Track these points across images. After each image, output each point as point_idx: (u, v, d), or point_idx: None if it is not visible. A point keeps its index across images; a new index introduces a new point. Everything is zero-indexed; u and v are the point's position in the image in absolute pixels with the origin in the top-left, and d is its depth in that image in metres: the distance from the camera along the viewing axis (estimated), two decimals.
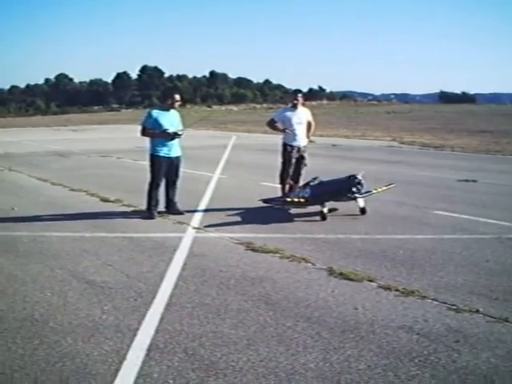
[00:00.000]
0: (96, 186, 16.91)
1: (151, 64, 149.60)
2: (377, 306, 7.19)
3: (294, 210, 13.09)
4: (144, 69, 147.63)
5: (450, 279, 8.24)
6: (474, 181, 17.80)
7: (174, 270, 8.67)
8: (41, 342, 6.17)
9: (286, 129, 13.66)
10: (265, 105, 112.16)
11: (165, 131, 11.93)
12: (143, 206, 12.64)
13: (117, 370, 5.48)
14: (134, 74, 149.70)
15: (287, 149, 13.82)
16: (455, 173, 19.63)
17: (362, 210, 12.59)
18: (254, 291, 7.76)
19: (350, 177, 12.42)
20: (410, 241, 10.48)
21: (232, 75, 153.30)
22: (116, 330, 6.46)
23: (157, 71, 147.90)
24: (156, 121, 11.98)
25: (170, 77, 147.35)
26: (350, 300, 7.40)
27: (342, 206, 12.87)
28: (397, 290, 7.70)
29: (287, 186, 13.94)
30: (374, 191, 13.35)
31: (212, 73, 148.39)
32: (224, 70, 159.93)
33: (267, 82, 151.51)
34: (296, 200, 12.76)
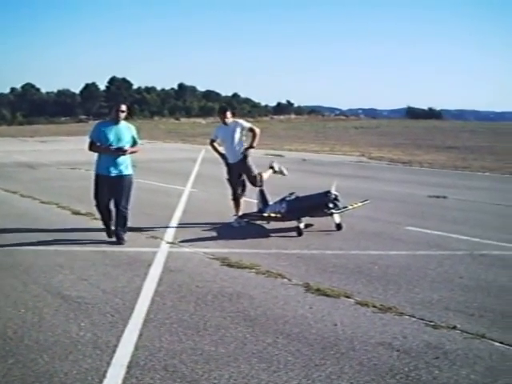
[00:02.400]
0: (67, 199, 16.74)
1: (120, 75, 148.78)
2: (355, 322, 7.21)
3: (269, 226, 13.07)
4: (112, 80, 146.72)
5: (425, 295, 8.31)
6: (445, 197, 17.99)
7: (150, 286, 8.61)
8: (16, 360, 6.04)
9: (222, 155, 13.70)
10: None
11: (108, 147, 10.82)
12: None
13: None
14: (102, 86, 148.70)
15: (228, 166, 13.74)
16: (425, 188, 19.81)
17: (338, 226, 12.61)
18: (232, 307, 7.74)
19: (326, 192, 12.46)
20: (384, 257, 10.55)
21: (201, 88, 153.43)
22: (94, 347, 6.39)
23: (125, 82, 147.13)
24: (102, 134, 10.86)
25: (139, 88, 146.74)
26: (329, 316, 7.41)
27: (317, 221, 12.91)
28: (374, 307, 7.74)
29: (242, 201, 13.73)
30: (350, 207, 13.34)
31: (180, 85, 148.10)
32: (193, 83, 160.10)
33: (235, 95, 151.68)
34: (273, 215, 12.74)
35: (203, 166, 27.99)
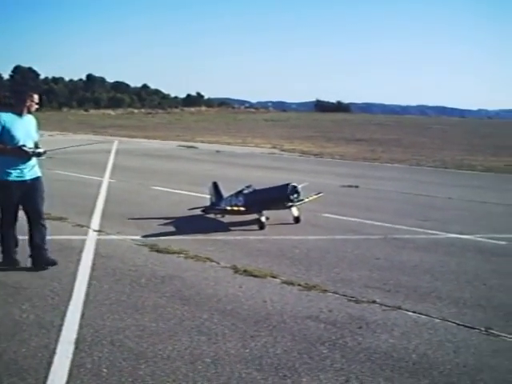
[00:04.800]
0: None
1: (25, 64, 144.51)
2: (283, 299, 7.79)
3: (226, 219, 13.03)
4: (17, 69, 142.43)
5: (345, 275, 9.00)
6: (357, 186, 18.90)
7: (85, 270, 8.91)
8: None
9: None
10: (143, 110, 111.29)
11: (21, 148, 8.45)
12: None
13: (49, 364, 5.73)
14: (6, 75, 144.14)
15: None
16: (338, 179, 20.69)
17: (297, 219, 12.71)
18: (166, 288, 8.17)
19: (287, 185, 12.39)
20: (304, 241, 11.20)
21: (110, 79, 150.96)
22: (40, 327, 6.69)
23: (31, 72, 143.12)
24: (6, 131, 8.42)
25: (46, 79, 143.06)
26: (258, 294, 7.96)
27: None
28: (299, 285, 8.34)
29: None
30: (306, 200, 13.31)
31: (89, 76, 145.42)
32: (102, 74, 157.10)
33: (145, 86, 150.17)
34: (236, 209, 12.51)
35: (118, 158, 28.05)
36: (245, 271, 8.95)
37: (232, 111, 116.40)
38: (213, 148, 35.60)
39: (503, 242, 11.23)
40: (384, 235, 11.66)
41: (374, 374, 5.60)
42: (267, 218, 12.39)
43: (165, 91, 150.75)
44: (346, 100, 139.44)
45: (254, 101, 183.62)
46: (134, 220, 12.86)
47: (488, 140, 47.07)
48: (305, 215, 13.04)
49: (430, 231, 12.08)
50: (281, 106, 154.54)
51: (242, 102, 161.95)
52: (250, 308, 7.41)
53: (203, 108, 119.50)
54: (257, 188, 13.10)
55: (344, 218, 13.40)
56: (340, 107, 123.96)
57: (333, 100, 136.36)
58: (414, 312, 7.33)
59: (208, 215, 13.34)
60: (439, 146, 40.24)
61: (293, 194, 12.31)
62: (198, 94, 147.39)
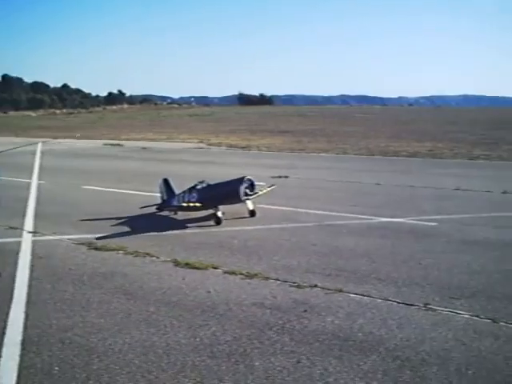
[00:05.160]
0: None
1: None
2: (227, 288, 7.90)
3: (179, 216, 12.90)
4: None
5: (285, 262, 9.17)
6: (286, 177, 19.17)
7: (24, 272, 8.79)
8: None
9: None
10: (64, 110, 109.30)
11: None
12: None
13: None
14: None
15: None
16: (267, 170, 20.84)
17: (252, 213, 12.58)
18: (110, 284, 8.16)
19: (241, 179, 12.15)
20: (242, 232, 11.34)
21: (28, 79, 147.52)
22: None
23: None
24: None
25: None
26: (202, 285, 8.03)
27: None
28: (241, 274, 8.47)
29: None
30: (260, 192, 13.11)
31: (5, 76, 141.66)
32: (18, 74, 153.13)
33: (65, 86, 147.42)
34: (192, 205, 12.22)
35: (45, 159, 27.57)
36: (186, 264, 9.00)
37: (155, 108, 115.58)
38: (139, 145, 35.38)
39: (433, 223, 11.64)
40: (318, 222, 11.92)
41: (323, 354, 5.77)
42: (223, 213, 12.20)
43: (86, 90, 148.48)
44: (268, 92, 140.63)
45: (176, 96, 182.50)
46: (68, 220, 12.73)
47: (410, 127, 48.35)
48: (240, 207, 13.15)
49: (362, 216, 12.40)
50: (203, 101, 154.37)
51: (165, 98, 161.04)
52: (195, 299, 7.49)
53: (125, 106, 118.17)
54: (210, 183, 12.83)
55: (278, 207, 13.61)
56: (263, 100, 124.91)
57: (255, 93, 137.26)
58: (355, 294, 7.56)
59: (161, 213, 13.22)
60: (363, 134, 41.05)
61: (248, 188, 12.12)
62: (120, 91, 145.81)
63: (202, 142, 37.89)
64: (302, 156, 27.88)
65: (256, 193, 12.59)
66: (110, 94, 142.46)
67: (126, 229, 11.79)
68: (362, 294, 7.53)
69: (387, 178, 18.59)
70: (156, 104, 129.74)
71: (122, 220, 12.65)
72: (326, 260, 9.24)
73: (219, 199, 12.10)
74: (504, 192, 15.55)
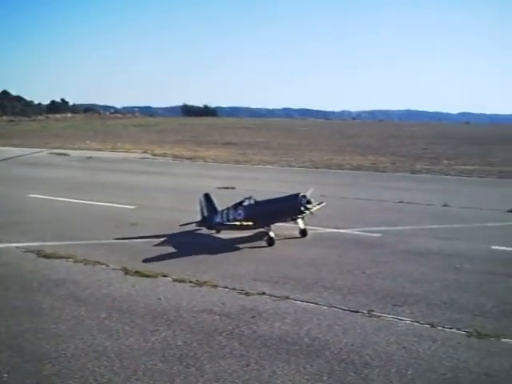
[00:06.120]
0: None
1: None
2: (177, 295, 8.07)
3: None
4: None
5: (233, 270, 9.40)
6: (233, 188, 19.36)
7: None
8: None
9: None
10: (5, 117, 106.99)
11: None
12: None
13: None
14: None
15: None
16: (214, 181, 20.99)
17: (304, 232, 11.90)
18: (61, 291, 8.25)
19: (297, 195, 11.39)
20: (190, 242, 11.50)
21: None
22: None
23: None
24: None
25: None
26: (152, 292, 8.19)
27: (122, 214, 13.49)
28: (191, 282, 8.65)
29: None
30: (313, 209, 11.97)
31: None
32: None
33: (5, 93, 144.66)
34: (245, 224, 11.25)
35: None
36: (136, 272, 9.15)
37: (99, 117, 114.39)
38: (84, 155, 35.05)
39: (377, 234, 12.01)
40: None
41: (271, 358, 6.00)
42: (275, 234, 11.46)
43: (27, 98, 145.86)
44: (212, 104, 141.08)
45: (119, 106, 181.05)
46: (16, 228, 12.68)
47: (353, 140, 49.19)
48: (188, 217, 13.29)
49: (308, 227, 12.62)
50: (147, 111, 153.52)
51: (108, 108, 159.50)
52: (145, 305, 7.64)
53: (69, 115, 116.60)
54: (258, 199, 12.00)
55: None
56: (207, 111, 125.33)
57: (200, 104, 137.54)
58: (302, 301, 7.84)
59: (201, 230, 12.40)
60: (307, 147, 41.56)
61: (304, 205, 11.35)
62: (63, 100, 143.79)
63: (146, 152, 37.75)
64: (248, 168, 28.12)
65: (309, 209, 11.62)
66: (53, 102, 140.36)
67: (76, 237, 11.80)
68: (308, 301, 7.81)
69: (332, 190, 18.89)
70: (99, 113, 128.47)
71: (72, 228, 12.70)
72: (273, 268, 9.51)
73: (273, 217, 11.37)
74: (444, 205, 16.07)
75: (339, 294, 8.17)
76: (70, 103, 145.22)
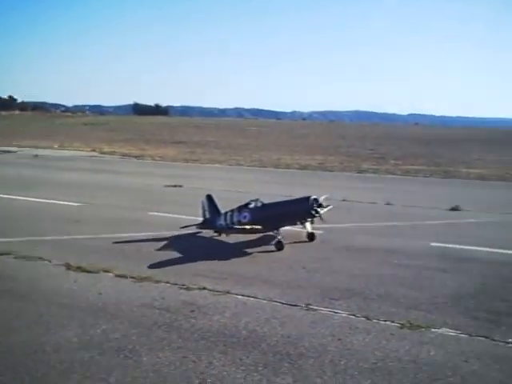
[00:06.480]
0: None
1: None
2: (118, 290, 8.12)
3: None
4: None
5: (174, 266, 9.51)
6: (180, 186, 19.41)
7: None
8: None
9: None
10: None
11: None
12: None
13: None
14: None
15: None
16: (161, 179, 21.03)
17: (312, 236, 11.61)
18: None
19: (308, 198, 11.03)
20: (134, 238, 11.51)
21: None
22: None
23: None
24: None
25: None
26: (93, 287, 8.22)
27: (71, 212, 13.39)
28: (132, 277, 8.70)
29: None
30: (321, 212, 11.47)
31: None
32: None
33: None
34: (255, 228, 10.84)
35: None
36: (78, 267, 9.16)
37: (49, 115, 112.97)
38: (31, 152, 34.61)
39: (320, 231, 12.13)
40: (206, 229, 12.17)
41: (208, 350, 6.12)
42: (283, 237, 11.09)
43: None
44: (164, 103, 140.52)
45: (69, 104, 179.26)
46: None
47: (303, 140, 49.60)
48: (133, 214, 13.34)
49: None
50: (98, 110, 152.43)
51: (58, 106, 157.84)
52: (86, 300, 7.68)
53: (17, 112, 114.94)
54: (265, 202, 11.59)
55: (169, 215, 13.90)
56: (158, 110, 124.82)
57: (151, 103, 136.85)
58: (242, 295, 7.97)
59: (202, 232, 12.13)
60: (257, 146, 41.78)
61: (315, 208, 11.01)
62: (11, 97, 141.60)
63: (94, 150, 37.52)
64: (196, 166, 28.18)
65: (319, 213, 11.29)
66: (0, 98, 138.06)
67: (19, 233, 11.72)
68: (248, 296, 7.94)
69: (276, 189, 19.07)
70: (50, 111, 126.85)
71: (14, 225, 12.60)
72: (214, 264, 9.61)
73: (281, 220, 11.05)
74: (387, 203, 16.38)
75: (279, 288, 8.34)
76: (19, 100, 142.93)
